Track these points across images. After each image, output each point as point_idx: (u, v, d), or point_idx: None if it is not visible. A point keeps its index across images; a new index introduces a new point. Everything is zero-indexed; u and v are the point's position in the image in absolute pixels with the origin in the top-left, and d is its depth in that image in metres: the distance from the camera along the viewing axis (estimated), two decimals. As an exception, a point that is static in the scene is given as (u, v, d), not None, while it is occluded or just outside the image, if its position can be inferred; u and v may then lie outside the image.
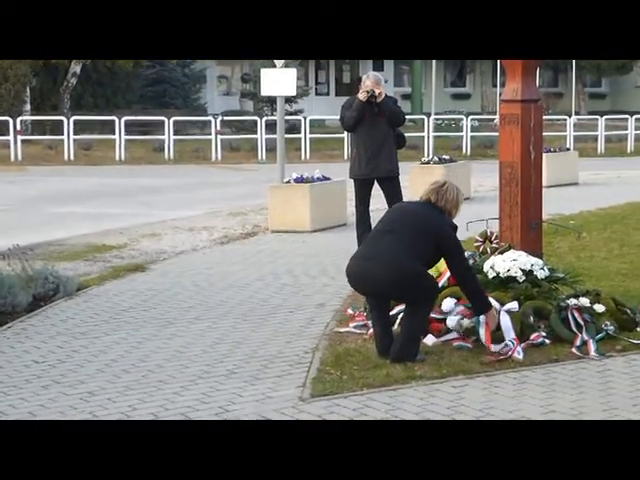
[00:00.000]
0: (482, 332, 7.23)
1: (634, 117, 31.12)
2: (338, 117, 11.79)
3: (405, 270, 6.94)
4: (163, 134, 28.09)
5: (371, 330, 7.52)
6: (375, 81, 11.33)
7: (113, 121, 27.97)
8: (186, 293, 9.55)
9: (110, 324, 8.33)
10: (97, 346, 7.64)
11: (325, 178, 14.13)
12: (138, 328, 8.19)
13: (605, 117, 31.61)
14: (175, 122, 28.37)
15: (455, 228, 7.24)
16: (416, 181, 17.15)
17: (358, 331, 7.83)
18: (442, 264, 8.03)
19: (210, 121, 29.25)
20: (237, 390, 6.46)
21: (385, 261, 6.95)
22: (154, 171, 24.73)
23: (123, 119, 27.78)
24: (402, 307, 7.43)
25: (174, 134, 28.10)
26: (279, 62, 15.47)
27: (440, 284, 7.89)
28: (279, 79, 15.28)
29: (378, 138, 11.23)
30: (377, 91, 11.10)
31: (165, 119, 28.04)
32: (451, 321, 7.54)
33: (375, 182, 11.33)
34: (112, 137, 27.78)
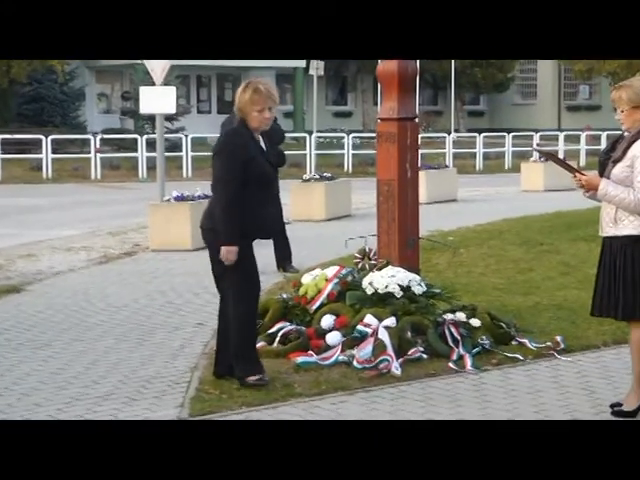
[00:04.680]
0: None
1: (511, 134, 31.81)
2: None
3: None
4: (41, 153, 27.65)
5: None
6: None
7: (-11, 139, 27.45)
8: (63, 314, 9.38)
9: (-17, 347, 8.14)
10: (-31, 370, 7.46)
11: (206, 196, 14.05)
12: (13, 350, 8.02)
13: (483, 134, 32.22)
14: (53, 140, 27.95)
15: (227, 143, 6.81)
16: (297, 199, 17.26)
17: (238, 349, 7.79)
18: (322, 281, 8.09)
19: (89, 139, 28.90)
20: (114, 412, 6.37)
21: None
22: (32, 190, 24.30)
23: None
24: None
25: (52, 152, 27.68)
26: (159, 80, 15.36)
27: (319, 302, 7.95)
28: (159, 97, 15.17)
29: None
30: None
31: (43, 137, 27.61)
32: (331, 338, 7.58)
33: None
34: (-12, 156, 27.26)
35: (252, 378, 6.75)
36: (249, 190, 6.63)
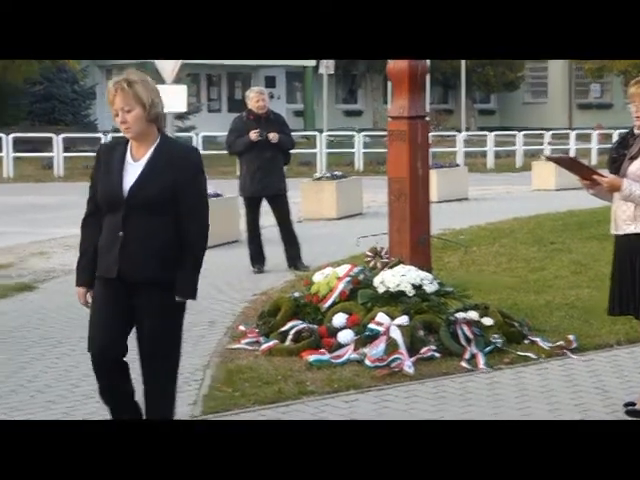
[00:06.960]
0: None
1: (522, 133, 31.77)
2: (231, 134, 11.74)
3: None
4: (52, 151, 27.70)
5: (263, 346, 7.59)
6: (259, 92, 11.60)
7: (0, 138, 27.46)
8: (75, 312, 9.37)
9: (-4, 345, 8.16)
10: (-17, 367, 7.47)
11: (217, 194, 14.07)
12: (26, 348, 8.04)
13: (494, 133, 32.16)
14: (64, 139, 28.00)
15: None
16: (308, 197, 17.26)
17: (250, 348, 7.82)
18: (333, 279, 8.09)
19: (100, 138, 28.94)
20: (127, 409, 6.36)
21: None
22: (43, 188, 24.33)
23: (11, 136, 27.27)
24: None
25: (64, 151, 27.72)
26: (169, 78, 15.37)
27: (331, 300, 7.95)
28: (169, 95, 15.16)
29: (268, 158, 11.28)
30: (270, 136, 11.20)
31: (54, 136, 27.65)
32: (343, 336, 7.58)
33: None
34: (-1, 154, 27.29)
35: None
36: None
